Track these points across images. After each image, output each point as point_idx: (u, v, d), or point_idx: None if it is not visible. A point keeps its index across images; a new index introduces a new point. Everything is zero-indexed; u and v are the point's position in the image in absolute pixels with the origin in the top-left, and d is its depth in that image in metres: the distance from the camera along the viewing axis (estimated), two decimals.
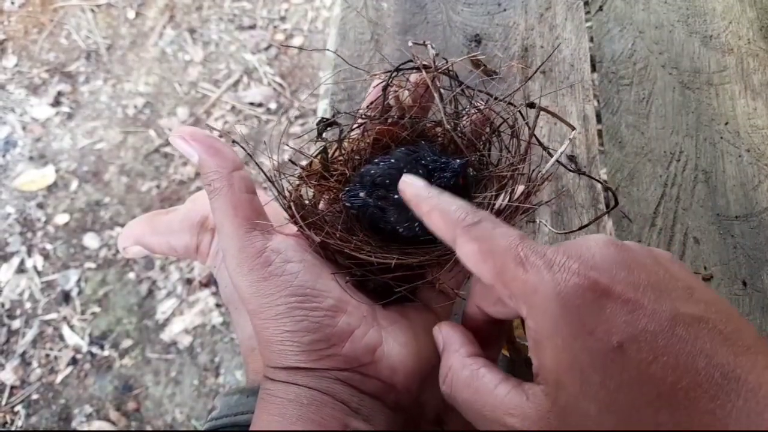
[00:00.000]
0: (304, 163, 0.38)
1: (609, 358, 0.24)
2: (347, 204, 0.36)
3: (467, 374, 0.29)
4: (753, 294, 0.54)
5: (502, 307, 0.30)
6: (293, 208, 0.34)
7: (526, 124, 0.36)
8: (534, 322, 0.26)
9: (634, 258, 0.27)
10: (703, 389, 0.23)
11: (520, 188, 0.35)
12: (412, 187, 0.32)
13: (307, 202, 0.37)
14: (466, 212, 0.29)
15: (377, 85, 0.39)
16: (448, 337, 0.31)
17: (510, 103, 0.38)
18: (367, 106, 0.40)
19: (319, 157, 0.37)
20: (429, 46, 0.37)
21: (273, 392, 0.32)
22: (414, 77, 0.38)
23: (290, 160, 0.37)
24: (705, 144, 0.61)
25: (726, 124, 0.62)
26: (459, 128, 0.38)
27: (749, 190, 0.58)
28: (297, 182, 0.36)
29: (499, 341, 0.34)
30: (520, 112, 0.37)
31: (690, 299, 0.25)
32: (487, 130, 0.39)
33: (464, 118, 0.39)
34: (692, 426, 0.22)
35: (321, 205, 0.38)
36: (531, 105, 0.37)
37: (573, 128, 0.37)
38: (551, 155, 0.36)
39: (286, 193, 0.35)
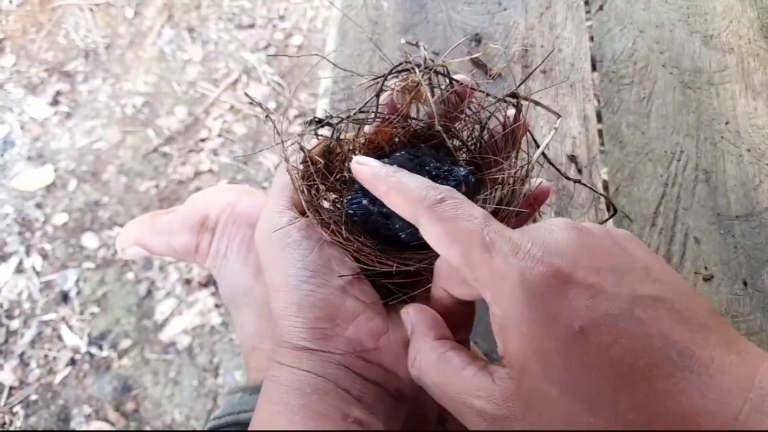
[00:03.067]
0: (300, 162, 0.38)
1: (571, 343, 0.24)
2: (350, 211, 0.36)
3: (435, 357, 0.29)
4: (754, 294, 0.53)
5: (468, 288, 0.30)
6: (309, 202, 0.34)
7: (519, 116, 0.36)
8: (499, 309, 0.26)
9: (595, 241, 0.27)
10: (659, 368, 0.24)
11: (524, 189, 0.35)
12: (366, 167, 0.33)
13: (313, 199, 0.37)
14: (427, 189, 0.29)
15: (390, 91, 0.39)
16: (416, 320, 0.32)
17: (488, 94, 0.37)
18: (361, 109, 0.39)
19: (322, 152, 0.37)
20: (422, 47, 0.37)
21: (278, 379, 0.32)
22: (412, 77, 0.38)
23: (300, 147, 0.36)
24: (705, 144, 0.61)
25: (726, 123, 0.62)
26: (452, 130, 0.38)
27: (750, 189, 0.58)
28: (306, 177, 0.36)
29: (469, 322, 0.34)
30: (514, 105, 0.37)
31: (647, 279, 0.26)
32: (477, 127, 0.39)
33: (447, 104, 0.38)
34: (648, 403, 0.23)
35: (326, 205, 0.39)
36: (513, 95, 0.37)
37: (558, 116, 0.37)
38: (538, 145, 0.36)
39: (299, 183, 0.35)
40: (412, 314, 0.32)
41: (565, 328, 0.24)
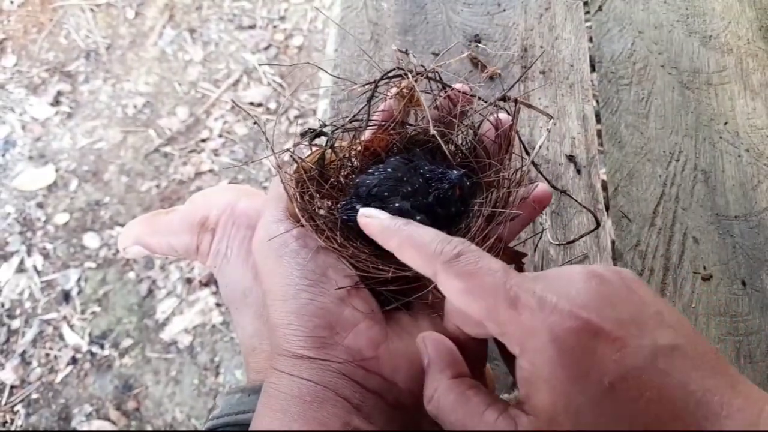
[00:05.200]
0: (295, 165, 0.38)
1: (601, 398, 0.25)
2: (344, 217, 0.36)
3: (453, 398, 0.29)
4: (752, 294, 0.54)
5: (482, 329, 0.30)
6: (303, 209, 0.35)
7: (511, 124, 0.36)
8: (529, 364, 0.27)
9: (614, 291, 0.28)
10: (680, 419, 0.25)
11: (520, 192, 0.35)
12: (375, 220, 0.32)
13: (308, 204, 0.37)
14: (442, 244, 0.29)
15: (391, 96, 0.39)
16: (434, 355, 0.31)
17: (480, 98, 0.38)
18: (359, 116, 0.39)
19: (315, 160, 0.37)
20: (411, 54, 0.38)
21: (277, 386, 0.32)
22: (404, 83, 0.38)
23: (292, 157, 0.37)
24: (704, 144, 0.61)
25: (725, 124, 0.62)
26: (446, 134, 0.38)
27: (748, 189, 0.59)
28: (300, 184, 0.36)
29: (483, 356, 0.34)
30: (505, 109, 0.37)
31: (662, 326, 0.27)
32: (470, 131, 0.39)
33: (440, 109, 0.38)
34: None
35: (321, 212, 0.39)
36: (504, 98, 0.37)
37: (551, 117, 0.37)
38: (528, 152, 0.36)
39: (292, 191, 0.35)
40: (430, 349, 0.32)
41: (596, 384, 0.25)
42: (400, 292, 0.34)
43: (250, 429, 0.33)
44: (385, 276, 0.33)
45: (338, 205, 0.37)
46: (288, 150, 0.36)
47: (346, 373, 0.32)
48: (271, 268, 0.34)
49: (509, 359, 0.29)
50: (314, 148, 0.37)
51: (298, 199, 0.35)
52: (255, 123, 0.36)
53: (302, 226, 0.34)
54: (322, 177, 0.37)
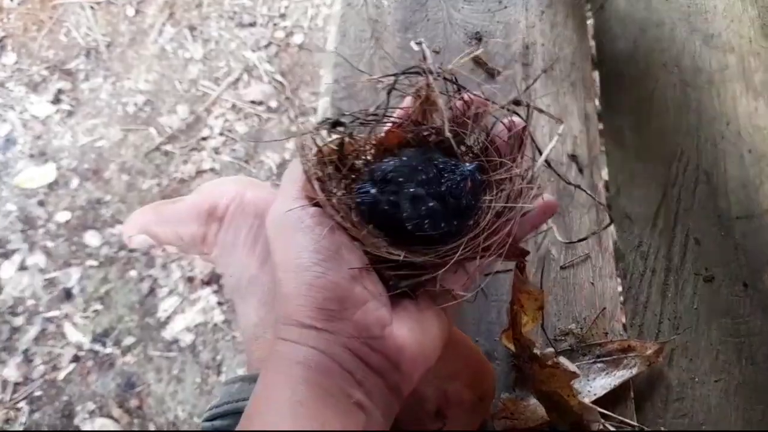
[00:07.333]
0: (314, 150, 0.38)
1: None
2: (357, 200, 0.36)
3: None
4: (754, 295, 0.54)
5: None
6: (322, 189, 0.35)
7: (524, 126, 0.36)
8: None
9: None
10: None
11: (532, 192, 0.35)
12: None
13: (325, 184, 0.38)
14: None
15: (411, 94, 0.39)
16: None
17: (493, 102, 0.38)
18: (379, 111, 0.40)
19: (335, 146, 0.38)
20: (425, 48, 0.38)
21: (281, 353, 0.32)
22: (422, 82, 0.38)
23: (313, 140, 0.37)
24: (706, 144, 0.61)
25: (727, 124, 0.62)
26: (460, 135, 0.39)
27: (751, 190, 0.58)
28: (318, 167, 0.37)
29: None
30: (516, 112, 0.37)
31: None
32: (483, 133, 0.39)
33: (454, 110, 0.39)
34: None
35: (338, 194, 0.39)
36: (517, 102, 0.37)
37: (561, 122, 0.37)
38: (540, 152, 0.37)
39: (312, 171, 0.36)
40: None
41: None
42: (408, 278, 0.35)
43: (253, 394, 0.33)
44: (396, 260, 0.34)
45: (353, 188, 0.37)
46: (310, 132, 0.37)
47: (351, 348, 0.32)
48: (286, 241, 0.34)
49: None
50: (333, 136, 0.38)
51: (318, 174, 0.35)
52: (287, 98, 0.37)
53: (318, 205, 0.35)
54: (340, 162, 0.38)
